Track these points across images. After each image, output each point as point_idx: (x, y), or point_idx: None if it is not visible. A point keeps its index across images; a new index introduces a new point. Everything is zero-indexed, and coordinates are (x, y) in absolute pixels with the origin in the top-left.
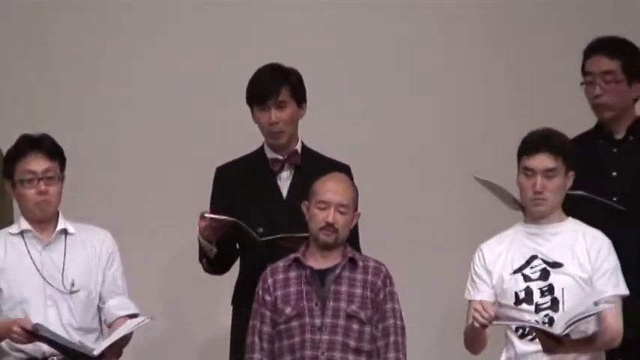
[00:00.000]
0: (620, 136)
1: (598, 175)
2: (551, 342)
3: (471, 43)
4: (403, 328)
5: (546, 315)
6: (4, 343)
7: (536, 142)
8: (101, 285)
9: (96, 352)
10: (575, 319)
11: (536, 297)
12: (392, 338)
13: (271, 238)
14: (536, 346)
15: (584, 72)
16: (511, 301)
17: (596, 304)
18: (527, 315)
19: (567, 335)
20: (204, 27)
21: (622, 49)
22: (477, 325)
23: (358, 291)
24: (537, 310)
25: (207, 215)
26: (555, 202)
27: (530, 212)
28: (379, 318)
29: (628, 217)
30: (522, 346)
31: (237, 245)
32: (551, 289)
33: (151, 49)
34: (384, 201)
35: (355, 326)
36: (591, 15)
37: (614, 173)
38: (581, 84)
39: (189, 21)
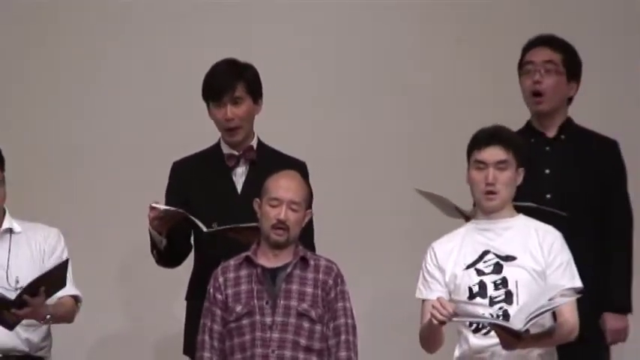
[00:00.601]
0: (552, 134)
1: (531, 173)
2: (510, 338)
3: (431, 45)
4: (354, 326)
5: (500, 308)
6: None
7: (487, 135)
8: None
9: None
10: (535, 314)
11: (490, 290)
12: (343, 337)
13: (214, 230)
14: (490, 340)
15: (524, 63)
16: (465, 295)
17: (552, 298)
18: (482, 309)
19: (527, 331)
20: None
21: (564, 46)
22: (435, 322)
23: (309, 289)
24: (491, 303)
25: (153, 205)
26: (507, 196)
27: (482, 206)
28: (330, 317)
29: (569, 222)
30: (476, 340)
31: (192, 239)
32: (504, 282)
33: (92, 46)
34: (340, 198)
35: (306, 324)
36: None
37: (547, 171)
38: (520, 76)
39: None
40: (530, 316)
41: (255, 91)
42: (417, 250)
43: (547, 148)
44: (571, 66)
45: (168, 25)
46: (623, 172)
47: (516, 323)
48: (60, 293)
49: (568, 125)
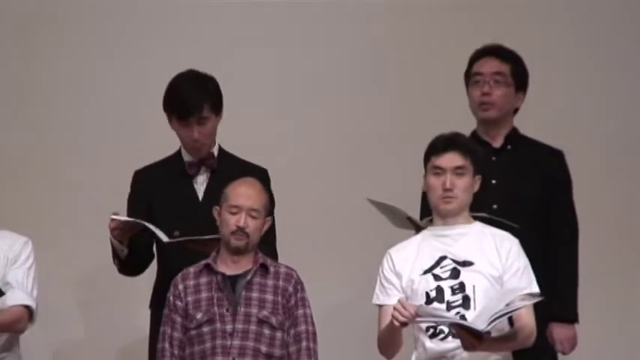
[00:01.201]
0: (498, 144)
1: None
2: (471, 339)
3: (384, 47)
4: (314, 333)
5: (458, 313)
6: None
7: (445, 141)
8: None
9: None
10: (497, 315)
11: (448, 295)
12: (304, 344)
13: (175, 240)
14: (447, 345)
15: (473, 74)
16: (422, 301)
17: (509, 303)
18: (442, 312)
19: (488, 332)
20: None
21: (512, 56)
22: (396, 324)
23: (269, 297)
24: (449, 308)
25: (112, 217)
26: (464, 202)
27: (439, 210)
28: (291, 324)
29: (516, 233)
30: (433, 345)
31: (154, 247)
32: (462, 287)
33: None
34: (301, 204)
35: (266, 331)
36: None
37: (494, 181)
38: (467, 86)
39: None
40: (493, 317)
41: (218, 106)
42: (378, 255)
43: (493, 158)
44: (519, 77)
45: (139, 27)
46: (568, 182)
47: (478, 324)
48: (11, 302)
49: (514, 135)
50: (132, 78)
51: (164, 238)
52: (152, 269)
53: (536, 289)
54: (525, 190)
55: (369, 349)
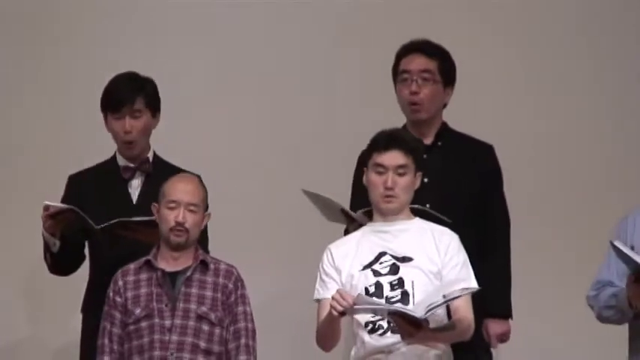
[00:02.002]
0: (429, 141)
1: None
2: (409, 327)
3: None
4: (254, 331)
5: None
6: None
7: (387, 139)
8: None
9: None
10: (435, 305)
11: (387, 291)
12: (243, 341)
13: (108, 224)
14: (386, 340)
15: (400, 71)
16: None
17: (445, 296)
18: (380, 300)
19: (427, 321)
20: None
21: (439, 52)
22: (335, 313)
23: (209, 293)
24: (388, 303)
25: (45, 203)
26: (405, 200)
27: (380, 209)
28: (230, 320)
29: (449, 228)
30: (372, 341)
31: (86, 250)
32: (401, 282)
33: None
34: (236, 206)
35: (205, 327)
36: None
37: (426, 179)
38: (395, 82)
39: None
40: (430, 306)
41: (154, 105)
42: (318, 252)
43: (425, 156)
44: (446, 73)
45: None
46: (499, 176)
47: (418, 312)
48: None
49: (444, 131)
50: (70, 81)
51: (94, 225)
52: (85, 273)
53: (474, 283)
54: (458, 188)
55: (307, 346)
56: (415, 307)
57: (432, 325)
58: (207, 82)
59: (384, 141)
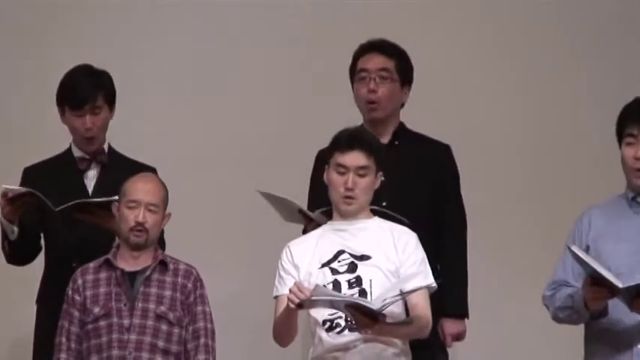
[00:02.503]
0: (385, 140)
1: None
2: (366, 320)
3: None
4: (213, 331)
5: None
6: None
7: (349, 139)
8: None
9: None
10: (393, 298)
11: (344, 289)
12: (202, 340)
13: (67, 205)
14: (344, 338)
15: (358, 70)
16: None
17: (402, 290)
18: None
19: (383, 315)
20: None
21: (397, 51)
22: (292, 306)
23: (168, 293)
24: None
25: (4, 186)
26: (364, 201)
27: (339, 209)
28: (189, 320)
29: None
30: (329, 339)
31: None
32: (359, 280)
33: None
34: (194, 203)
35: (164, 327)
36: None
37: (382, 178)
38: (353, 82)
39: None
40: (388, 300)
41: (111, 99)
42: (278, 251)
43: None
44: (404, 72)
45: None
46: (456, 176)
47: (375, 304)
48: None
49: (401, 131)
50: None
51: (53, 208)
52: (40, 264)
53: (432, 280)
54: (414, 187)
55: (267, 346)
56: (372, 302)
57: (389, 321)
58: (166, 79)
59: (346, 141)
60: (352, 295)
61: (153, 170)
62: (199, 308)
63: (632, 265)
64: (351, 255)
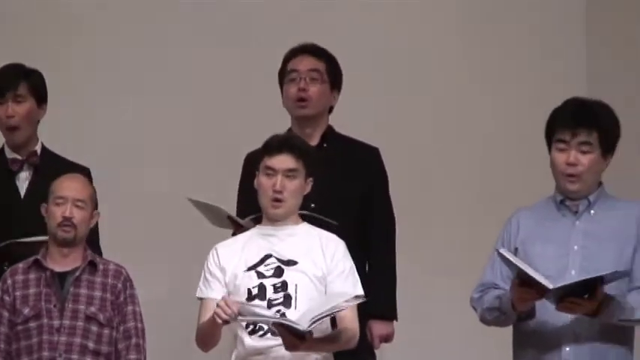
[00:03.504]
0: (314, 142)
1: None
2: (293, 339)
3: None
4: (144, 330)
5: (278, 311)
6: None
7: (278, 142)
8: None
9: None
10: (319, 316)
11: (269, 293)
12: (133, 340)
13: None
14: (267, 342)
15: (288, 71)
16: (244, 297)
17: (331, 308)
18: (262, 310)
19: (311, 332)
20: None
21: (327, 54)
22: (219, 321)
23: (98, 293)
24: (270, 305)
25: None
26: (292, 205)
27: (267, 213)
28: (120, 320)
29: (335, 231)
30: (252, 342)
31: None
32: (284, 285)
33: None
34: (127, 202)
35: (94, 328)
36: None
37: (312, 183)
38: (282, 84)
39: None
40: (315, 318)
41: (39, 94)
42: (204, 252)
43: None
44: (333, 75)
45: None
46: (385, 179)
47: (302, 323)
48: None
49: (330, 133)
50: None
51: None
52: None
53: (360, 291)
54: (343, 189)
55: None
56: (300, 318)
57: (316, 334)
58: (104, 80)
59: (275, 144)
60: (277, 299)
61: (87, 170)
62: (129, 308)
63: (559, 267)
64: (278, 259)
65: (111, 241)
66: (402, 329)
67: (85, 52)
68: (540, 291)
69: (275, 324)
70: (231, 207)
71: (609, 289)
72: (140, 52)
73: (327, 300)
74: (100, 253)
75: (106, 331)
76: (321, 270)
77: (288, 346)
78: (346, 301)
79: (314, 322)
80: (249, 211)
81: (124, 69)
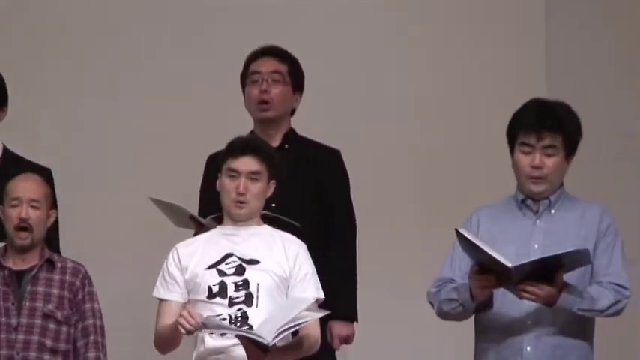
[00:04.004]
0: (276, 144)
1: None
2: (257, 350)
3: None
4: (102, 327)
5: (240, 309)
6: None
7: (243, 145)
8: None
9: None
10: (284, 328)
11: (231, 291)
12: (92, 337)
13: None
14: (227, 341)
15: (250, 73)
16: (204, 295)
17: (296, 316)
18: (220, 308)
19: (274, 344)
20: None
21: (289, 57)
22: (182, 331)
23: (55, 291)
24: (231, 303)
25: None
26: (256, 207)
27: (230, 215)
28: (79, 318)
29: (296, 232)
30: (212, 341)
31: None
32: (246, 283)
33: None
34: (89, 202)
35: (52, 326)
36: None
37: (272, 180)
38: (244, 86)
39: None
40: (280, 330)
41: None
42: (164, 251)
43: None
44: (295, 77)
45: None
46: (346, 181)
47: (264, 334)
48: None
49: (292, 135)
50: None
51: None
52: None
53: (321, 294)
54: (304, 190)
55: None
56: (261, 326)
57: (279, 341)
58: (59, 82)
59: (238, 147)
60: (238, 297)
61: (48, 170)
62: (88, 305)
63: None
64: (239, 258)
65: (74, 241)
66: (363, 330)
67: (41, 52)
68: (498, 277)
69: (238, 336)
70: (193, 207)
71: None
72: (100, 52)
73: (288, 306)
74: (58, 252)
75: (64, 329)
76: (283, 271)
77: (252, 358)
78: (310, 310)
79: (278, 335)
80: (211, 211)
81: (85, 69)
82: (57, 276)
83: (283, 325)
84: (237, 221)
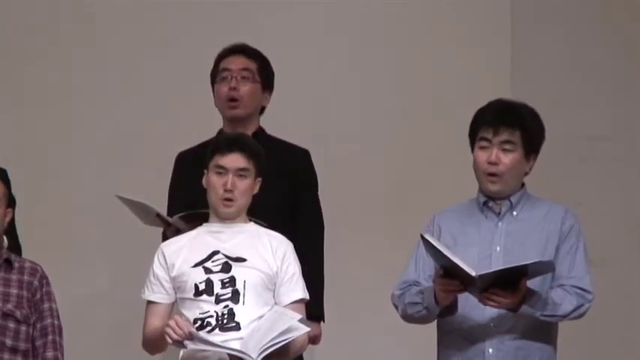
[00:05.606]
0: None
1: None
2: None
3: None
4: (60, 327)
5: (226, 306)
6: None
7: (229, 141)
8: None
9: None
10: (269, 345)
11: (217, 288)
12: (50, 337)
13: None
14: (214, 337)
15: (220, 70)
16: (191, 292)
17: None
18: (208, 306)
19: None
20: None
21: (259, 55)
22: (169, 341)
23: (14, 291)
24: (217, 301)
25: None
26: (243, 204)
27: (217, 212)
28: (37, 318)
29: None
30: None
31: None
32: (232, 281)
33: None
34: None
35: (11, 325)
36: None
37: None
38: (214, 84)
39: None
40: (265, 347)
41: None
42: (146, 251)
43: None
44: (265, 75)
45: None
46: (314, 181)
47: (250, 350)
48: None
49: (260, 134)
50: None
51: None
52: None
53: (306, 295)
54: (272, 190)
55: (123, 345)
56: (247, 340)
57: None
58: (27, 80)
59: (226, 144)
60: (225, 295)
61: (3, 171)
62: (46, 305)
63: (481, 269)
64: (226, 256)
65: (35, 241)
66: (329, 330)
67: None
68: (463, 282)
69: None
70: (161, 206)
71: (532, 287)
72: (65, 51)
73: (274, 319)
74: (19, 250)
75: (24, 328)
76: (270, 268)
77: None
78: (296, 327)
79: (263, 352)
80: (180, 209)
81: (47, 69)
82: (15, 276)
83: (269, 342)
84: (224, 219)
